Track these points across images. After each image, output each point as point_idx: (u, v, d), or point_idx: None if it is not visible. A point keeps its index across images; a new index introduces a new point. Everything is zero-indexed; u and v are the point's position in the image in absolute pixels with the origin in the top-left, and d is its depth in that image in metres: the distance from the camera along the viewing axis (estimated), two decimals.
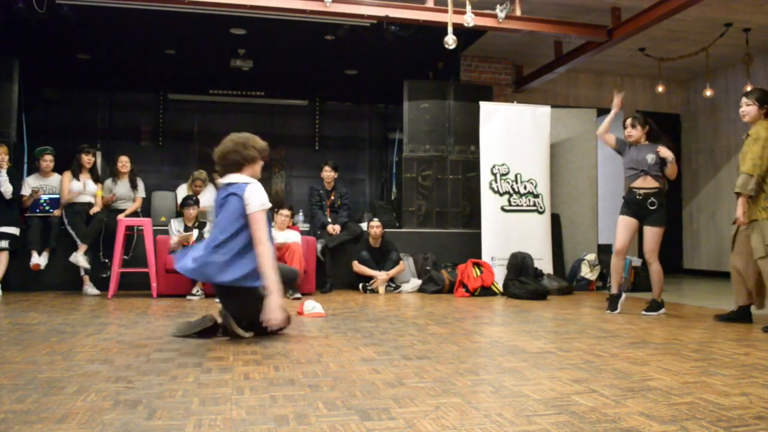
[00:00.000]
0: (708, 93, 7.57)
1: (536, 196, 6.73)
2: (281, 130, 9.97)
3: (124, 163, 6.25)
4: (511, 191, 6.68)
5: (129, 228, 5.93)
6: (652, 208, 4.50)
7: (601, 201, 7.31)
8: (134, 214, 6.19)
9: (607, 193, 7.65)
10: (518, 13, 5.88)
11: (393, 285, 6.32)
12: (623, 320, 4.28)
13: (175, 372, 2.55)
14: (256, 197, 3.27)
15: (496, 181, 6.67)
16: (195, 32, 7.01)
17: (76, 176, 5.97)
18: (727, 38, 6.86)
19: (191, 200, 5.94)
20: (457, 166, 7.32)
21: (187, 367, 2.65)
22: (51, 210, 5.90)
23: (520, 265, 6.22)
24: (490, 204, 6.63)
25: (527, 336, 3.57)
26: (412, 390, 2.27)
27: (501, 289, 6.11)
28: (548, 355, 2.97)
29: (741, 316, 4.14)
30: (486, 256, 6.45)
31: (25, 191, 5.85)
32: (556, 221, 7.12)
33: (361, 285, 6.22)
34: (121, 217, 5.94)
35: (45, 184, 5.96)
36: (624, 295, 4.71)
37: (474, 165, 7.12)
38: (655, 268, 4.56)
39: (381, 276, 6.19)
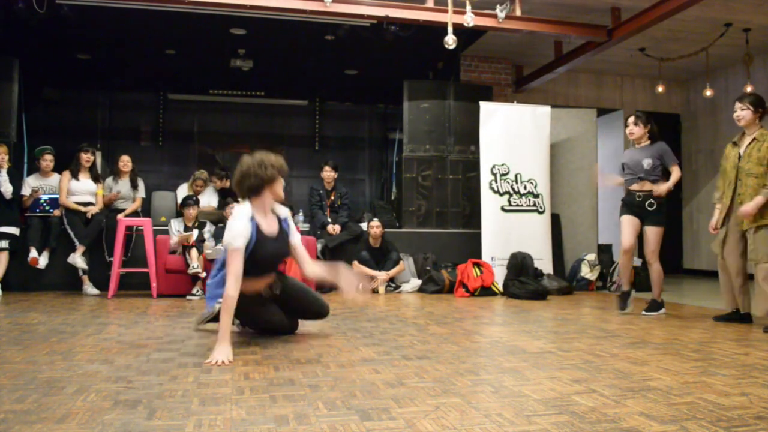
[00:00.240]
0: (708, 93, 7.58)
1: (536, 196, 6.73)
2: (281, 130, 9.98)
3: (125, 162, 6.25)
4: (511, 191, 6.68)
5: (129, 228, 5.93)
6: (651, 209, 4.50)
7: (601, 201, 7.31)
8: (134, 214, 6.19)
9: (607, 193, 7.64)
10: (518, 13, 5.88)
11: (393, 285, 6.32)
12: (623, 320, 4.28)
13: (175, 372, 2.55)
14: (226, 233, 2.98)
15: (496, 181, 6.67)
16: (195, 32, 7.01)
17: (75, 175, 5.97)
18: (727, 38, 6.86)
19: (191, 200, 5.94)
20: (457, 166, 7.32)
21: (187, 367, 2.65)
22: (51, 210, 5.90)
23: (520, 265, 6.22)
24: (490, 204, 6.63)
25: (527, 336, 3.57)
26: (412, 390, 2.27)
27: (501, 289, 6.11)
28: (548, 355, 2.97)
29: (741, 316, 4.14)
30: (486, 256, 6.45)
31: (25, 191, 5.85)
32: (556, 221, 7.12)
33: (361, 285, 6.21)
34: (120, 216, 5.94)
35: (45, 184, 5.96)
36: (633, 292, 4.70)
37: (474, 165, 7.12)
38: (656, 269, 4.56)
39: (381, 276, 6.19)
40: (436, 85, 7.50)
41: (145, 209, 6.61)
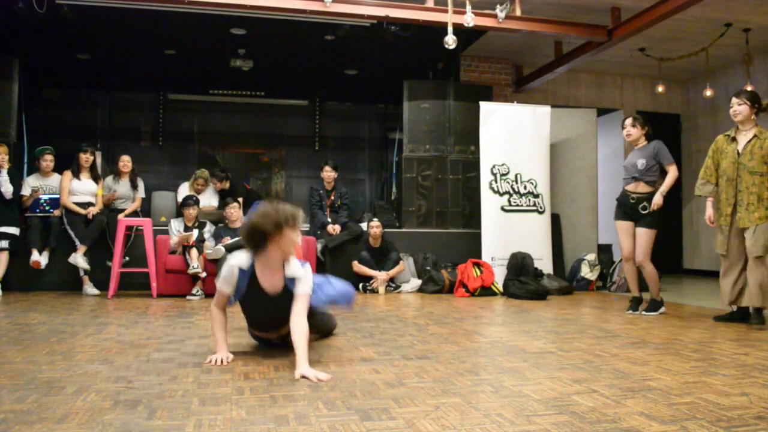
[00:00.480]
0: (708, 93, 7.57)
1: (536, 196, 6.73)
2: (281, 130, 9.97)
3: (125, 162, 6.25)
4: (511, 191, 6.68)
5: (128, 228, 5.93)
6: (643, 212, 4.50)
7: (601, 201, 7.31)
8: (134, 214, 6.19)
9: (607, 193, 7.64)
10: (518, 13, 5.88)
11: (393, 285, 6.32)
12: (623, 320, 4.29)
13: (175, 372, 2.55)
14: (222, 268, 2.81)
15: (496, 181, 6.66)
16: (195, 32, 7.01)
17: (75, 176, 5.97)
18: (727, 38, 6.86)
19: (191, 200, 5.94)
20: (457, 166, 7.32)
21: (187, 367, 2.65)
22: (51, 210, 5.90)
23: (520, 265, 6.22)
24: (490, 204, 6.63)
25: (527, 336, 3.57)
26: (412, 390, 2.27)
27: (501, 289, 6.11)
28: (548, 355, 2.97)
29: (741, 316, 4.14)
30: (486, 256, 6.45)
31: (25, 191, 5.85)
32: (556, 221, 7.12)
33: (361, 285, 6.22)
34: (120, 216, 5.94)
35: (45, 184, 5.96)
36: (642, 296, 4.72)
37: (474, 165, 7.12)
38: (649, 270, 4.55)
39: (381, 276, 6.19)
40: (436, 85, 7.50)
41: (145, 209, 6.60)
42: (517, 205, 6.68)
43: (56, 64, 8.24)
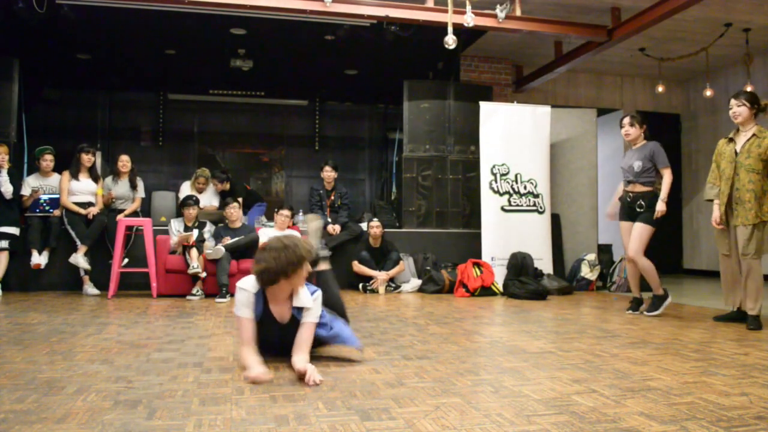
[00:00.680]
0: (708, 93, 7.58)
1: (536, 196, 6.73)
2: (281, 130, 9.98)
3: (124, 162, 6.24)
4: (511, 191, 6.68)
5: (129, 228, 5.93)
6: (640, 210, 4.50)
7: (601, 201, 7.31)
8: (134, 214, 6.19)
9: (607, 193, 7.63)
10: (518, 13, 5.88)
11: (393, 285, 6.32)
12: (623, 320, 4.29)
13: (175, 372, 2.55)
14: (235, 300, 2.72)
15: (496, 181, 6.66)
16: (195, 32, 7.01)
17: (75, 176, 5.97)
18: (727, 38, 6.86)
19: (191, 200, 5.94)
20: (457, 166, 7.32)
21: (187, 367, 2.65)
22: (51, 210, 5.90)
23: (520, 265, 6.22)
24: (490, 204, 6.63)
25: (527, 336, 3.57)
26: (412, 390, 2.27)
27: (501, 289, 6.11)
28: (548, 355, 2.97)
29: (741, 316, 4.14)
30: (486, 256, 6.45)
31: (25, 191, 5.85)
32: (556, 221, 7.12)
33: (361, 285, 6.22)
34: (120, 217, 5.94)
35: (45, 184, 5.96)
36: (643, 296, 4.72)
37: (474, 165, 7.12)
38: (642, 264, 4.49)
39: (381, 276, 6.19)
40: (436, 85, 7.50)
41: (145, 209, 6.60)
42: (517, 205, 6.68)
43: (56, 64, 8.24)
